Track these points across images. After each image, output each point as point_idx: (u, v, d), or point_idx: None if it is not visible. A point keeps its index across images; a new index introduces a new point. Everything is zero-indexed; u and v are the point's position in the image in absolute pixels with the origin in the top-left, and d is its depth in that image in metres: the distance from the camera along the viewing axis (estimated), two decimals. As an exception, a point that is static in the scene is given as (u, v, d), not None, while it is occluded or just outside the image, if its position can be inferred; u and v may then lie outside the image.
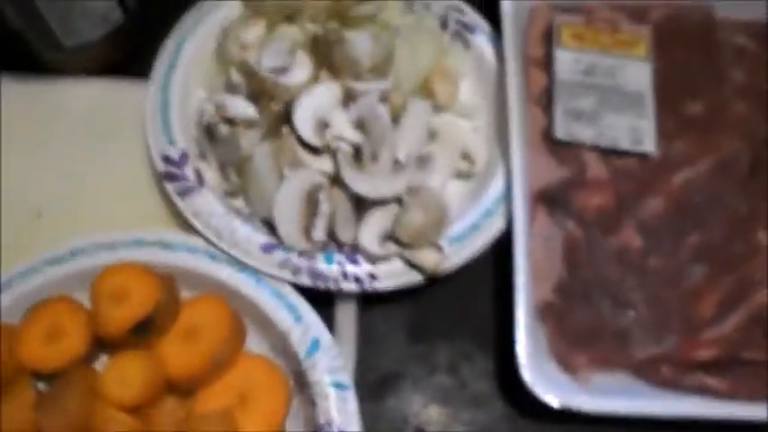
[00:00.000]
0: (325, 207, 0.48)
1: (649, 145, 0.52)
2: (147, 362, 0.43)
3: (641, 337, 0.48)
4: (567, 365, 0.47)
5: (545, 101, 0.54)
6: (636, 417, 0.45)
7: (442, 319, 0.52)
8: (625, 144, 0.53)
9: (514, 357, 0.46)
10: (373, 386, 0.50)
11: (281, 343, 0.47)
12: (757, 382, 0.46)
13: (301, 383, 0.46)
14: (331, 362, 0.46)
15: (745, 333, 0.48)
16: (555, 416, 0.49)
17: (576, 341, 0.48)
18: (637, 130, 0.53)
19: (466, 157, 0.54)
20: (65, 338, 0.44)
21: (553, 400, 0.45)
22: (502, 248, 0.51)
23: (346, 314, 0.50)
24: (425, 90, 0.56)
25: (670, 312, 0.49)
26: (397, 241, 0.48)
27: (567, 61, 0.55)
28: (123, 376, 0.42)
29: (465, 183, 0.54)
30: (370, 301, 0.52)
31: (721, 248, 0.50)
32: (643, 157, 0.52)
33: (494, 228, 0.51)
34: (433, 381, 0.50)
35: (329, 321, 0.50)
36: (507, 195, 0.51)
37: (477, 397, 0.50)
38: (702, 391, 0.46)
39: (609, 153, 0.53)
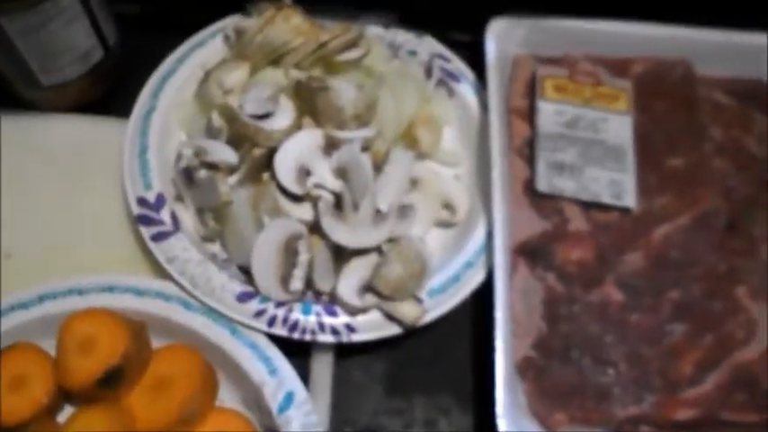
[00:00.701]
0: (304, 257, 0.47)
1: (629, 200, 0.52)
2: (113, 416, 0.41)
3: (621, 395, 0.47)
4: (547, 424, 0.47)
5: (527, 152, 0.54)
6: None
7: (420, 371, 0.51)
8: (606, 198, 0.53)
9: (493, 414, 0.46)
10: (349, 441, 0.49)
11: (254, 396, 0.45)
12: (737, 444, 0.46)
13: (274, 439, 0.45)
14: (305, 418, 0.44)
15: (726, 393, 0.47)
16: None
17: (556, 398, 0.47)
18: (618, 184, 0.53)
19: (447, 206, 0.54)
20: (28, 388, 0.42)
21: (530, 461, 0.44)
22: (481, 299, 0.51)
23: (322, 365, 0.49)
24: (408, 137, 0.56)
25: (650, 371, 0.48)
26: (377, 293, 0.48)
27: (549, 113, 0.55)
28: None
29: (446, 232, 0.54)
30: (347, 351, 0.50)
31: (701, 306, 0.50)
32: (624, 210, 0.53)
33: (474, 280, 0.51)
34: (410, 436, 0.49)
35: (305, 371, 0.48)
36: (488, 246, 0.51)
37: (455, 454, 0.49)
38: (685, 455, 0.46)
39: (590, 206, 0.53)
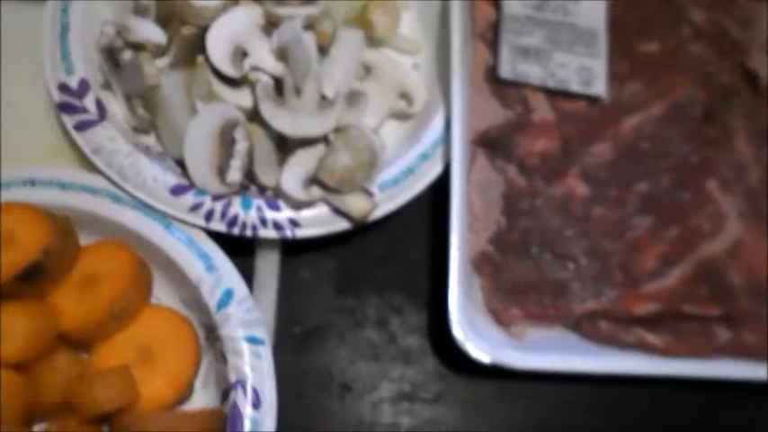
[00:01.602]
0: (241, 146, 0.43)
1: (599, 87, 0.48)
2: (35, 312, 0.38)
3: (580, 290, 0.45)
4: (502, 320, 0.45)
5: (491, 36, 0.50)
6: (571, 374, 0.43)
7: (372, 270, 0.48)
8: (574, 86, 0.49)
9: (446, 312, 0.44)
10: (297, 340, 0.46)
11: (191, 294, 0.43)
12: (700, 338, 0.44)
13: (212, 339, 0.42)
14: (245, 315, 0.42)
15: (689, 287, 0.45)
16: (488, 373, 0.46)
17: (512, 294, 0.45)
18: (587, 71, 0.49)
19: (404, 96, 0.50)
20: (-57, 287, 0.40)
21: (485, 356, 0.42)
22: (438, 195, 0.48)
23: (267, 263, 0.46)
24: (362, 21, 0.50)
25: (611, 265, 0.46)
26: (323, 185, 0.44)
27: (516, -7, 0.50)
28: (6, 329, 0.37)
29: (402, 124, 0.50)
30: (294, 249, 0.48)
31: (669, 198, 0.47)
32: (593, 99, 0.49)
33: (430, 172, 0.47)
34: (361, 335, 0.47)
35: (249, 272, 0.46)
36: (446, 138, 0.48)
37: (408, 353, 0.47)
38: (641, 347, 0.44)
39: (556, 95, 0.49)
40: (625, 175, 0.48)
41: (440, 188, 0.47)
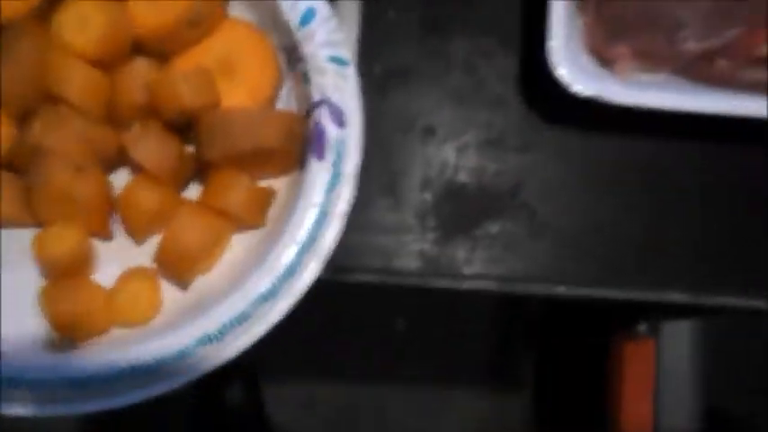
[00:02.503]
0: None
1: None
2: (110, 5, 0.36)
3: (699, 28, 0.40)
4: (606, 58, 0.41)
5: None
6: (680, 113, 0.39)
7: (462, 9, 0.44)
8: None
9: (543, 51, 0.40)
10: (378, 79, 0.44)
11: (269, 13, 0.39)
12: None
13: (294, 61, 0.40)
14: (329, 35, 0.39)
15: (821, 29, 0.40)
16: (579, 122, 0.43)
17: (620, 31, 0.41)
18: None
19: None
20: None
21: (584, 88, 0.39)
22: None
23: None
24: None
25: (737, 3, 0.41)
26: None
27: None
28: (82, 20, 0.35)
29: None
30: (378, -17, 0.44)
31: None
32: None
33: None
34: (448, 79, 0.44)
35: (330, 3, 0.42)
36: None
37: (496, 99, 0.44)
38: (761, 88, 0.39)
39: None
40: None
41: None
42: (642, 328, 0.71)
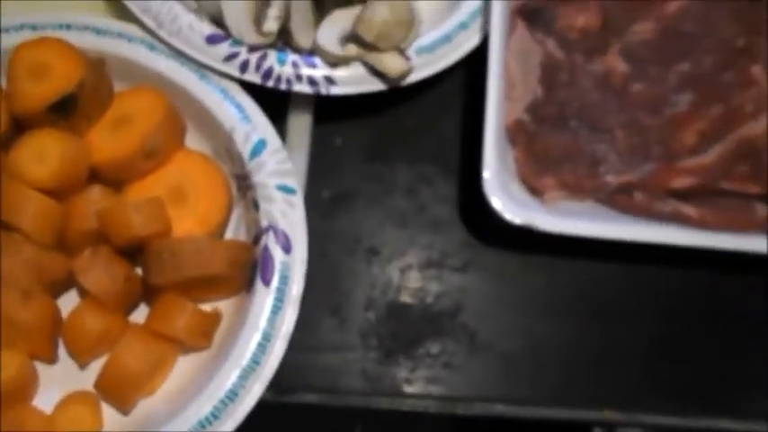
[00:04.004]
0: (279, -3, 0.43)
1: (644, -36, 0.47)
2: (69, 139, 0.38)
3: (616, 163, 0.44)
4: (535, 187, 0.44)
5: None
6: (603, 240, 0.42)
7: (404, 140, 0.48)
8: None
9: (479, 179, 0.43)
10: (325, 203, 0.46)
11: (223, 144, 0.42)
12: (737, 212, 0.43)
13: (244, 189, 0.42)
14: (278, 165, 0.41)
15: (728, 164, 0.44)
16: (516, 244, 0.46)
17: (547, 164, 0.44)
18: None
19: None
20: (-23, 119, 0.39)
21: (515, 217, 0.42)
22: (473, 69, 0.47)
23: (299, 124, 0.46)
24: None
25: (649, 140, 0.45)
26: (360, 43, 0.44)
27: None
28: (40, 153, 0.37)
29: (440, -6, 0.49)
30: (326, 116, 0.47)
31: (711, 78, 0.46)
32: (638, -24, 0.48)
33: (467, 43, 0.46)
34: (391, 202, 0.47)
35: (281, 134, 0.45)
36: (485, 8, 0.47)
37: (437, 222, 0.47)
38: (677, 218, 0.43)
39: (601, -31, 0.48)
40: (667, 55, 0.47)
41: (475, 63, 0.47)
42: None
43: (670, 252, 0.44)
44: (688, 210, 0.43)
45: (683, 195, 0.44)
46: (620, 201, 0.44)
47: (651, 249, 0.44)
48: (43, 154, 0.37)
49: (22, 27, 0.42)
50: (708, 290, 0.46)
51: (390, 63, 0.44)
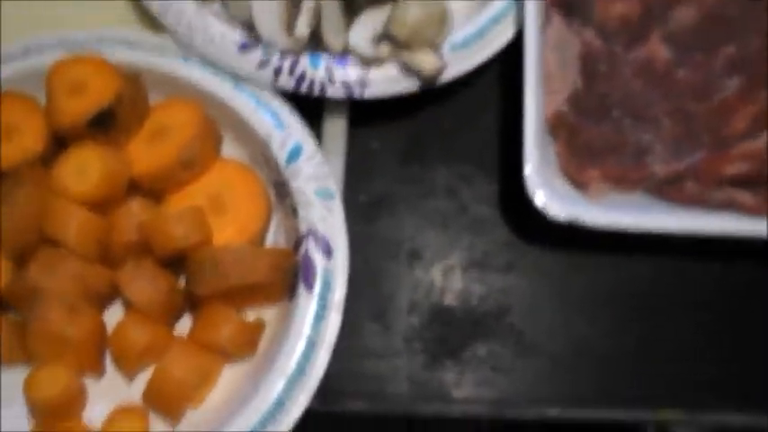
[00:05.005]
0: (309, 1, 0.42)
1: (685, -54, 0.46)
2: (108, 153, 0.38)
3: (664, 152, 0.43)
4: (579, 182, 0.43)
5: None
6: (655, 233, 0.41)
7: (441, 141, 0.47)
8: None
9: (520, 177, 0.42)
10: (364, 208, 0.45)
11: (260, 151, 0.42)
12: (793, 199, 0.41)
13: (282, 195, 0.42)
14: (315, 169, 0.41)
15: (783, 149, 0.43)
16: (560, 242, 0.45)
17: (590, 157, 0.43)
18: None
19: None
20: (18, 137, 0.40)
21: (560, 212, 0.40)
22: (508, 65, 0.46)
23: (335, 128, 0.45)
24: None
25: (698, 127, 0.43)
26: (393, 42, 0.43)
27: None
28: (81, 168, 0.38)
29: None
30: (362, 116, 0.47)
31: (759, 61, 0.44)
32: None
33: (502, 37, 0.45)
34: (430, 204, 0.46)
35: (316, 139, 0.45)
36: (518, 2, 0.46)
37: (478, 222, 0.46)
38: (731, 206, 0.41)
39: (638, -45, 0.46)
40: (711, 39, 0.45)
41: (509, 59, 0.46)
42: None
43: (727, 245, 0.42)
44: (744, 197, 0.41)
45: (737, 182, 0.42)
46: (670, 192, 0.43)
47: (699, 243, 0.42)
48: (84, 169, 0.38)
49: (57, 45, 0.43)
50: (755, 283, 0.44)
51: (424, 60, 0.43)
